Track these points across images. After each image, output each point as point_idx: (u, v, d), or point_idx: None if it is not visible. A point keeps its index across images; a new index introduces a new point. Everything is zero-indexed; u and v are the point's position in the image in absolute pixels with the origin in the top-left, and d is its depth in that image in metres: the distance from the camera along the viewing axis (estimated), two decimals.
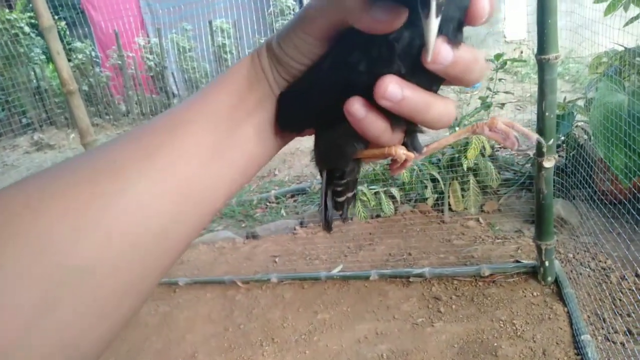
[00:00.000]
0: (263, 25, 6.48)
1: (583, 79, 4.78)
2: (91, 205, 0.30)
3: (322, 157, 0.44)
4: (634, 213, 1.92)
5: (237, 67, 0.39)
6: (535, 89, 1.84)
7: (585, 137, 2.71)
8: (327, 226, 0.48)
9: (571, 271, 2.18)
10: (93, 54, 7.06)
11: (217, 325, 2.34)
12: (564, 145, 2.86)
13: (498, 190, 2.95)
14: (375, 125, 0.35)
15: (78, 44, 6.94)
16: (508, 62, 3.10)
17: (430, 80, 0.35)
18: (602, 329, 1.84)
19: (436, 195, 2.90)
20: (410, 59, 0.32)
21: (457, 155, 2.75)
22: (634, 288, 1.99)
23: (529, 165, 3.07)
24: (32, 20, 6.45)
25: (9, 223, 0.28)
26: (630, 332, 1.79)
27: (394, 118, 0.36)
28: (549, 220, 1.98)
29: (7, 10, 6.67)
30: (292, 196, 3.66)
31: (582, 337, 1.77)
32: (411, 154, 0.40)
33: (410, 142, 0.42)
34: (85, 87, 6.78)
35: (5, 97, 6.39)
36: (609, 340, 1.78)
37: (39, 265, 0.27)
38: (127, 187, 0.32)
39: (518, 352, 1.81)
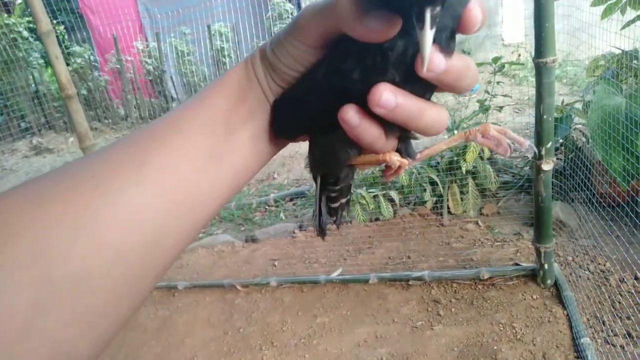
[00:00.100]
0: (261, 29, 6.50)
1: (581, 81, 4.80)
2: (89, 209, 0.31)
3: (317, 163, 0.44)
4: (632, 216, 1.92)
5: (231, 72, 0.39)
6: (533, 91, 1.84)
7: (584, 139, 2.72)
8: (321, 232, 0.49)
9: (570, 274, 2.18)
10: (92, 58, 7.07)
11: (216, 329, 2.33)
12: (562, 148, 2.86)
13: (497, 193, 2.96)
14: (369, 132, 0.36)
15: (77, 48, 6.95)
16: (506, 65, 3.11)
17: (424, 88, 0.35)
18: (602, 331, 1.84)
19: (435, 199, 2.90)
20: (404, 68, 0.33)
21: (456, 159, 2.75)
22: (633, 291, 1.99)
23: (528, 168, 3.08)
24: (31, 25, 6.45)
25: (7, 225, 0.28)
26: (629, 334, 1.79)
27: (388, 125, 0.36)
28: (547, 223, 1.98)
29: (5, 15, 6.68)
30: (291, 199, 3.66)
31: (582, 340, 1.77)
32: (405, 161, 0.41)
33: (404, 149, 0.42)
34: (84, 91, 6.78)
35: (4, 102, 6.39)
36: (609, 343, 1.78)
37: (32, 271, 0.28)
38: (125, 188, 0.32)
39: (518, 355, 1.81)
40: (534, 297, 2.08)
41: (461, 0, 0.31)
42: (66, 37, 7.50)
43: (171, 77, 7.15)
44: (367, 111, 0.34)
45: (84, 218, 0.30)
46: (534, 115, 1.81)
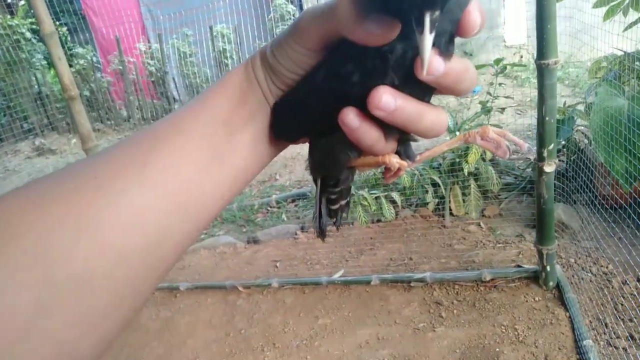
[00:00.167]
0: (263, 30, 6.51)
1: (583, 83, 4.79)
2: (92, 210, 0.31)
3: (317, 165, 0.45)
4: (635, 218, 1.92)
5: (232, 74, 0.40)
6: (535, 93, 1.84)
7: (586, 141, 2.71)
8: (321, 233, 0.49)
9: (573, 276, 2.18)
10: (94, 59, 7.08)
11: (218, 330, 2.33)
12: (565, 149, 2.86)
13: (499, 195, 2.95)
14: (369, 135, 0.36)
15: (79, 50, 6.97)
16: (508, 67, 3.10)
17: (423, 91, 0.36)
18: (604, 334, 1.83)
19: (437, 200, 2.90)
20: (403, 71, 0.33)
21: (458, 160, 2.75)
22: (635, 293, 1.98)
23: (530, 169, 3.07)
24: (34, 26, 6.47)
25: (10, 226, 0.29)
26: (632, 337, 1.79)
27: (387, 127, 0.36)
28: (550, 225, 1.98)
29: (8, 17, 6.70)
30: (293, 201, 3.66)
31: (584, 342, 1.76)
32: (404, 163, 0.41)
33: (403, 151, 0.42)
34: (87, 93, 6.80)
35: (7, 103, 6.41)
36: (611, 346, 1.78)
37: (35, 271, 0.28)
38: (127, 190, 0.32)
39: (520, 357, 1.81)
40: (536, 299, 2.08)
41: (460, 4, 0.31)
42: (69, 38, 7.51)
43: (173, 79, 7.16)
44: (367, 114, 0.35)
45: (87, 219, 0.30)
46: (536, 116, 1.81)
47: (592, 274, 2.18)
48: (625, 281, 2.07)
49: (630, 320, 1.86)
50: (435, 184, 2.85)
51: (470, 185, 2.77)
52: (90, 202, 0.31)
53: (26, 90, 6.55)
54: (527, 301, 2.08)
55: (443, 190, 2.82)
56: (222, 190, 0.38)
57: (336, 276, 2.51)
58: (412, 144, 0.43)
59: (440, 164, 2.89)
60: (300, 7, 6.80)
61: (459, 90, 0.35)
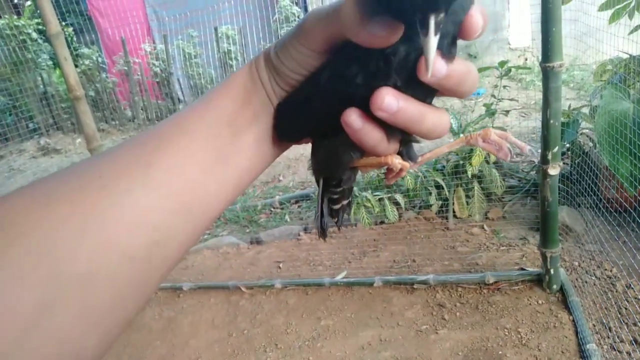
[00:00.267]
0: (268, 32, 6.52)
1: (588, 86, 4.77)
2: (96, 210, 0.31)
3: (319, 165, 0.45)
4: None
5: (237, 75, 0.40)
6: (539, 96, 1.84)
7: (591, 144, 2.70)
8: (323, 233, 0.49)
9: (576, 279, 2.17)
10: (100, 60, 7.11)
11: (220, 330, 2.34)
12: (569, 152, 2.85)
13: (503, 198, 2.94)
14: (371, 136, 0.36)
15: (85, 50, 7.00)
16: (512, 70, 3.10)
17: (425, 92, 0.36)
18: (608, 337, 1.82)
19: (440, 202, 2.89)
20: (406, 72, 0.33)
21: (461, 162, 2.75)
22: (639, 297, 1.97)
23: (534, 172, 3.06)
24: (40, 27, 6.51)
25: (15, 225, 0.29)
26: (636, 341, 1.78)
27: (390, 129, 0.36)
28: (554, 228, 1.97)
29: (15, 17, 6.74)
30: (297, 202, 3.66)
31: (588, 346, 1.75)
32: (406, 164, 0.41)
33: (405, 152, 0.43)
34: (92, 93, 6.83)
35: (12, 102, 6.45)
36: (615, 350, 1.77)
37: (40, 269, 0.28)
38: (132, 189, 0.32)
39: None
40: (540, 302, 2.07)
41: (463, 6, 0.32)
42: (75, 39, 7.55)
43: (178, 80, 7.18)
44: (370, 115, 0.35)
45: (91, 218, 0.30)
46: (541, 119, 1.81)
47: (596, 277, 2.17)
48: (630, 285, 2.06)
49: (634, 324, 1.86)
50: (438, 186, 2.85)
51: (474, 188, 2.77)
52: (95, 202, 0.31)
53: (32, 90, 6.59)
54: (530, 304, 2.07)
55: (447, 193, 2.82)
56: (226, 191, 0.38)
57: (339, 277, 2.51)
58: (415, 145, 0.44)
59: (444, 166, 2.89)
60: (305, 9, 6.81)
61: (461, 92, 0.35)
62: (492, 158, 2.74)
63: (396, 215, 2.86)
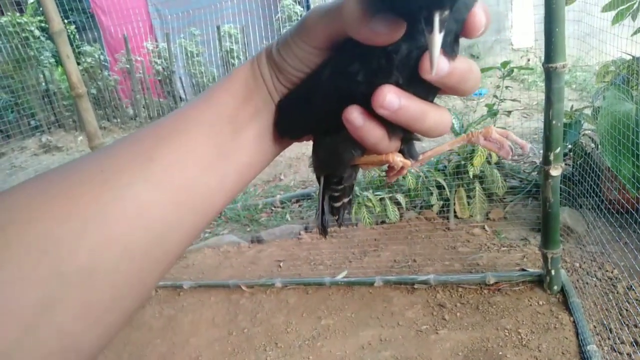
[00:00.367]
0: (271, 31, 6.52)
1: (590, 87, 4.77)
2: (98, 204, 0.31)
3: (321, 163, 0.45)
4: None
5: (239, 71, 0.40)
6: (542, 96, 1.83)
7: (593, 145, 2.70)
8: (323, 230, 0.49)
9: (577, 280, 2.17)
10: (102, 57, 7.12)
11: (221, 329, 2.34)
12: (571, 153, 2.85)
13: (504, 198, 2.94)
14: (373, 133, 0.36)
15: (87, 48, 7.00)
16: (515, 70, 3.09)
17: (427, 90, 0.36)
18: (609, 339, 1.82)
19: (442, 202, 2.89)
20: (408, 70, 0.33)
21: (463, 163, 2.74)
22: None
23: (536, 173, 3.06)
24: (43, 24, 6.52)
25: (12, 223, 0.29)
26: (637, 342, 1.77)
27: (391, 126, 0.36)
28: (555, 229, 1.97)
29: (17, 14, 6.75)
30: (298, 201, 3.66)
31: (588, 347, 1.75)
32: (407, 162, 0.41)
33: (407, 150, 0.43)
34: (94, 91, 6.84)
35: (14, 100, 6.45)
36: (616, 351, 1.76)
37: (41, 266, 0.28)
38: (133, 184, 0.32)
39: None
40: (540, 303, 2.07)
41: (466, 4, 0.31)
42: (77, 36, 7.55)
43: (180, 78, 7.19)
44: (371, 112, 0.35)
45: (93, 213, 0.30)
46: (543, 120, 1.80)
47: (597, 278, 2.17)
48: (631, 286, 2.05)
49: (635, 326, 1.85)
50: (440, 186, 2.84)
51: (475, 188, 2.76)
52: (96, 196, 0.31)
53: (34, 87, 6.60)
54: (531, 305, 2.07)
55: (448, 193, 2.81)
56: (227, 187, 0.38)
57: (339, 277, 2.51)
58: (417, 144, 0.43)
59: (445, 167, 2.89)
60: (308, 8, 6.80)
61: (462, 90, 0.35)
62: (494, 158, 2.74)
63: (397, 215, 2.85)
